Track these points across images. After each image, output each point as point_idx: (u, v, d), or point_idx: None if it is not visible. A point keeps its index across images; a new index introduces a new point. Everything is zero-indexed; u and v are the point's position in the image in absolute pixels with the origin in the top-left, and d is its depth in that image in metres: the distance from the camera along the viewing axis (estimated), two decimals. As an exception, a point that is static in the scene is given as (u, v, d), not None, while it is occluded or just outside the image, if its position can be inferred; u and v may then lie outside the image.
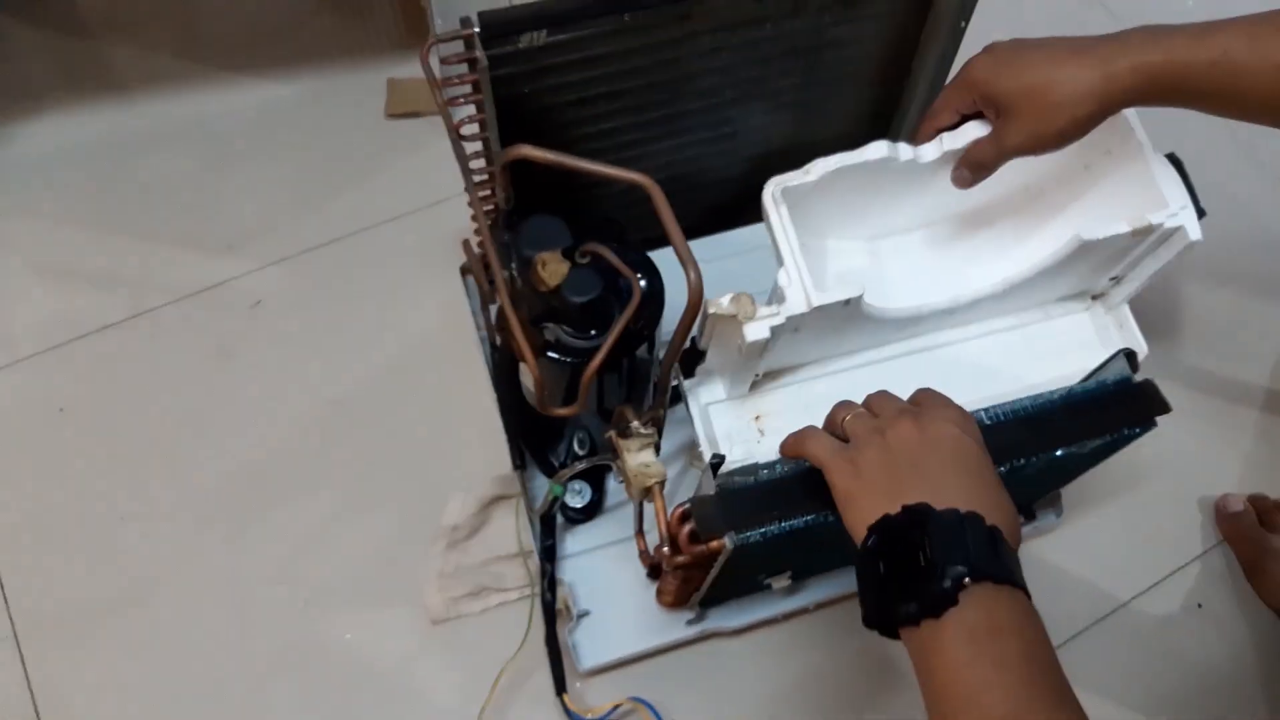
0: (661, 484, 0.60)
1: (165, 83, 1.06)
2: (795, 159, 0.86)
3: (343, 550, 0.82)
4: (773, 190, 0.65)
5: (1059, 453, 0.63)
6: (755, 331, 0.59)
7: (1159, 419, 0.64)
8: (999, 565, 0.46)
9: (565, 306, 0.62)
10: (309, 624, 0.79)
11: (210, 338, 0.92)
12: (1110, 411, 0.64)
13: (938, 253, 0.74)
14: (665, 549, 0.58)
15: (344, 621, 0.79)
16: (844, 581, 0.80)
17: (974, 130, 0.66)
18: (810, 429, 0.56)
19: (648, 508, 0.64)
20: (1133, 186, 0.66)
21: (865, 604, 0.49)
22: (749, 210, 0.90)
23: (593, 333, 0.64)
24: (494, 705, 0.74)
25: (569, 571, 0.78)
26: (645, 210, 0.60)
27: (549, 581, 0.74)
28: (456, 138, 0.66)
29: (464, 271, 0.88)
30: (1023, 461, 0.63)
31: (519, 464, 0.79)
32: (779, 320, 0.59)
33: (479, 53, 0.63)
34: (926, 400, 0.55)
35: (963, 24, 0.75)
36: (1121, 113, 0.64)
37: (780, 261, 0.62)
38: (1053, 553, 0.83)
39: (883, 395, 0.56)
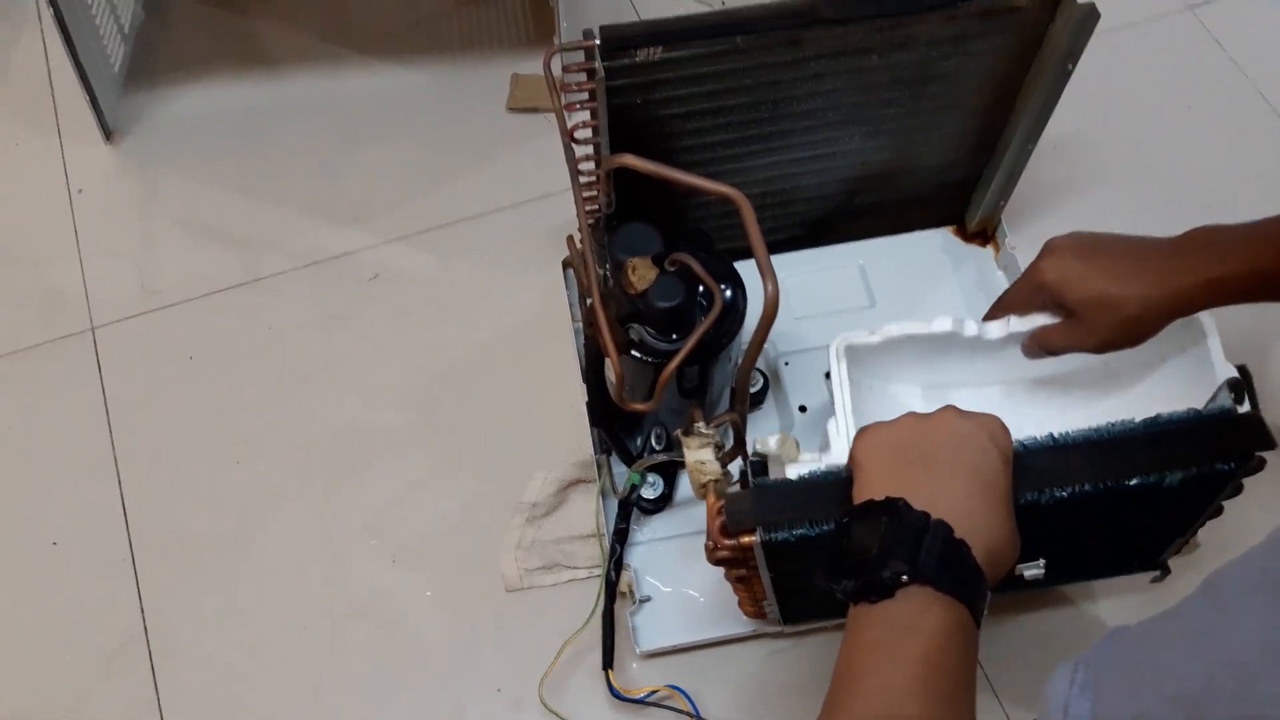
0: (716, 482, 0.64)
1: (310, 61, 1.14)
2: (893, 182, 0.89)
3: (430, 513, 0.88)
4: (837, 345, 0.69)
5: (1133, 483, 0.59)
6: (796, 473, 0.63)
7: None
8: (945, 575, 0.48)
9: (650, 310, 0.66)
10: (394, 577, 0.85)
11: (329, 304, 0.99)
12: (1199, 442, 0.59)
13: (1010, 413, 0.75)
14: (709, 543, 0.62)
15: (425, 579, 0.85)
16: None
17: (1042, 318, 0.71)
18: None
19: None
20: (1199, 387, 0.68)
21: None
22: (842, 228, 0.93)
23: (674, 336, 0.68)
24: (555, 674, 0.79)
25: (637, 558, 0.82)
26: (738, 222, 0.63)
27: (615, 562, 0.79)
28: (569, 141, 0.71)
29: (565, 265, 0.93)
30: (1088, 488, 0.58)
31: (602, 451, 0.84)
32: (820, 467, 0.63)
33: (598, 63, 0.68)
34: (976, 412, 0.57)
35: (1070, 66, 0.77)
36: (1199, 318, 0.68)
37: (833, 411, 0.67)
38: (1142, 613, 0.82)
39: None
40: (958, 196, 0.94)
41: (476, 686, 0.80)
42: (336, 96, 1.12)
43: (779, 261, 0.93)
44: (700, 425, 0.65)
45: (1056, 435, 0.60)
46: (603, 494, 0.83)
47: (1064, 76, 0.78)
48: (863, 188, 0.88)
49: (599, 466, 0.84)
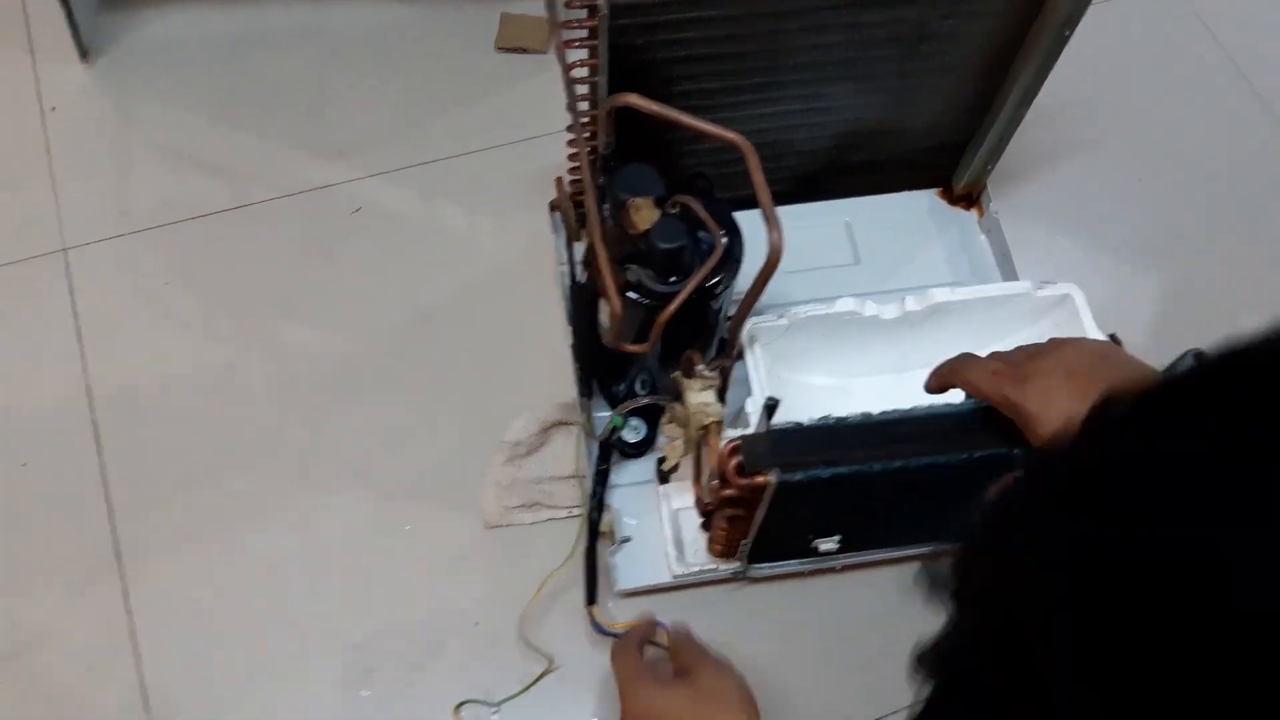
0: (719, 424, 0.64)
1: (294, -12, 1.12)
2: (884, 141, 0.90)
3: (413, 448, 0.88)
4: (749, 330, 0.75)
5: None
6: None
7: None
8: None
9: (650, 251, 0.66)
10: (375, 511, 0.85)
11: (311, 236, 0.97)
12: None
13: (905, 397, 0.78)
14: (715, 482, 0.63)
15: (407, 514, 0.85)
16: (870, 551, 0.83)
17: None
18: (965, 356, 0.58)
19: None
20: None
21: None
22: (830, 185, 0.93)
23: (672, 279, 0.68)
24: (534, 609, 0.80)
25: (618, 499, 0.83)
26: (734, 170, 0.64)
27: (597, 502, 0.80)
28: (569, 80, 0.70)
29: (553, 207, 0.92)
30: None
31: (585, 393, 0.84)
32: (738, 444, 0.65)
33: (601, 1, 0.68)
34: None
35: (1067, 32, 0.78)
36: (1070, 296, 0.75)
37: (750, 392, 0.72)
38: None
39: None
40: (946, 159, 0.94)
41: (455, 621, 0.81)
42: (322, 27, 1.10)
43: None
44: (701, 368, 0.66)
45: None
46: (584, 436, 0.84)
47: (1061, 42, 0.79)
48: (854, 144, 0.88)
49: (581, 409, 0.84)
